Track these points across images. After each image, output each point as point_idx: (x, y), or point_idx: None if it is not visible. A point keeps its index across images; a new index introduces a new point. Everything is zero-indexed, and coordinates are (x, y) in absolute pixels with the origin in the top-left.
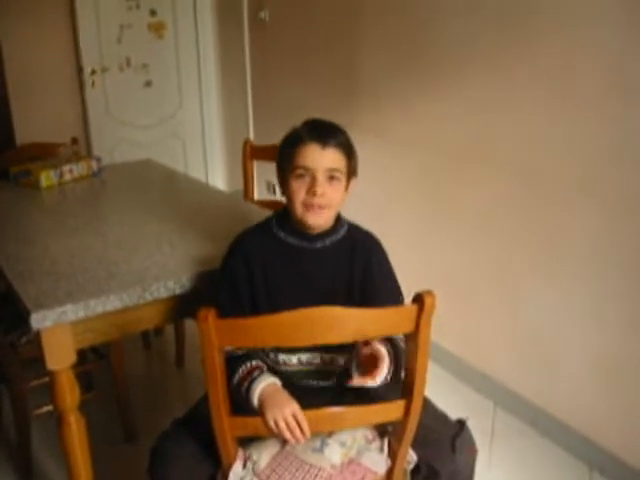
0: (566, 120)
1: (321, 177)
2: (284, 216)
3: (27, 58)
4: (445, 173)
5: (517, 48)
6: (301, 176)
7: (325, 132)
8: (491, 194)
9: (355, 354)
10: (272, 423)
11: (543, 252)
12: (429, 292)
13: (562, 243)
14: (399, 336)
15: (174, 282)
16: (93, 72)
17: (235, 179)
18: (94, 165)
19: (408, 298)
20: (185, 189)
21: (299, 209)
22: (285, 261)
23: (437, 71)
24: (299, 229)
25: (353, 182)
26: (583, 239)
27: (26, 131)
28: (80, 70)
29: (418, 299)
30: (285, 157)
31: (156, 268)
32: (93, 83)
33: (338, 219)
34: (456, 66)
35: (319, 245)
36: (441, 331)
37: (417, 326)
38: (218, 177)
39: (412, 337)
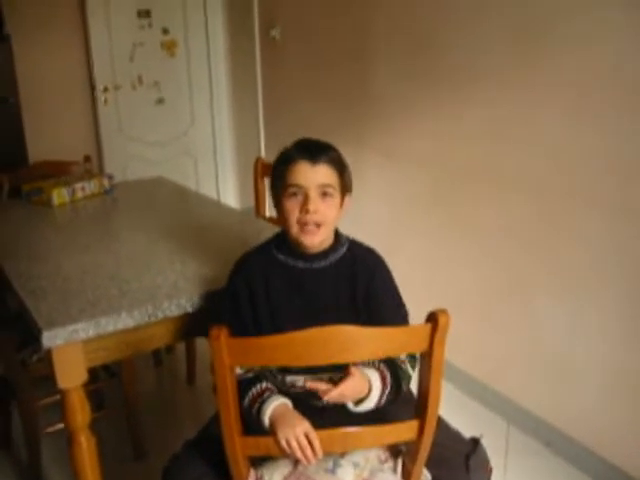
0: (579, 137)
1: (313, 194)
2: (282, 238)
3: (40, 76)
4: (456, 191)
5: (529, 66)
6: (294, 194)
7: (315, 149)
8: (502, 211)
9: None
10: (284, 442)
11: (555, 269)
12: (443, 311)
13: (574, 260)
14: (402, 357)
15: (185, 300)
16: (105, 90)
17: (247, 196)
18: (106, 183)
19: (420, 316)
20: (196, 206)
21: (294, 229)
22: (286, 283)
23: (448, 88)
24: (297, 250)
25: (348, 199)
26: (596, 256)
27: (39, 149)
28: (92, 88)
29: (432, 318)
30: (277, 177)
31: (167, 286)
32: (105, 101)
33: (337, 237)
34: (467, 84)
35: (320, 265)
36: (453, 349)
37: (431, 345)
38: (230, 194)
39: (426, 356)
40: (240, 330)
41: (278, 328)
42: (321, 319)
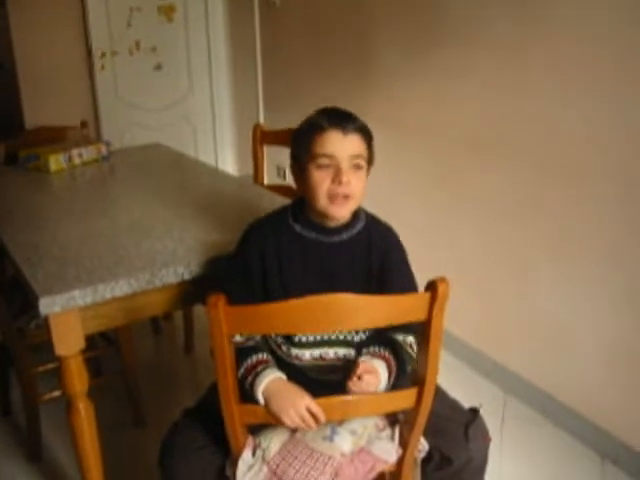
0: (584, 104)
1: (346, 165)
2: (299, 208)
3: (36, 41)
4: (460, 160)
5: (532, 30)
6: (324, 165)
7: (344, 118)
8: (507, 181)
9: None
10: (289, 421)
11: (559, 241)
12: (442, 279)
13: (578, 232)
14: (408, 340)
15: (183, 267)
16: (103, 55)
17: (245, 163)
18: (103, 149)
19: (420, 285)
20: (195, 173)
21: (322, 200)
22: (301, 255)
23: (451, 55)
24: (316, 222)
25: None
26: (600, 227)
27: (35, 115)
28: (89, 53)
29: (431, 286)
30: (303, 146)
31: (165, 253)
32: (102, 66)
33: (356, 212)
34: (470, 50)
35: (336, 239)
36: (453, 319)
37: (430, 314)
38: (228, 161)
39: (425, 325)
40: (246, 295)
41: (288, 295)
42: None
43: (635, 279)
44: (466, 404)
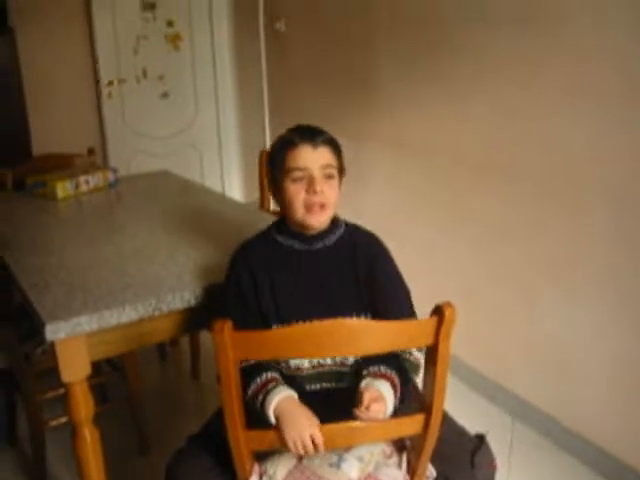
0: (588, 127)
1: (318, 175)
2: (282, 223)
3: (44, 69)
4: (463, 182)
5: (538, 53)
6: (298, 178)
7: (313, 132)
8: (506, 201)
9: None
10: (291, 445)
11: (561, 262)
12: (448, 304)
13: (580, 253)
14: (410, 350)
15: (189, 293)
16: (110, 83)
17: (252, 189)
18: (110, 176)
19: (423, 306)
20: (201, 200)
21: (300, 211)
22: (288, 265)
23: (455, 78)
24: (297, 232)
25: (341, 181)
26: (605, 249)
27: (43, 142)
28: (97, 81)
29: (437, 311)
30: (277, 163)
31: (171, 279)
32: (110, 94)
33: (334, 219)
34: (475, 74)
35: (319, 246)
36: (457, 342)
37: (436, 339)
38: (235, 187)
39: (431, 350)
40: (244, 317)
41: (281, 311)
42: (324, 300)
43: (638, 302)
44: (473, 430)
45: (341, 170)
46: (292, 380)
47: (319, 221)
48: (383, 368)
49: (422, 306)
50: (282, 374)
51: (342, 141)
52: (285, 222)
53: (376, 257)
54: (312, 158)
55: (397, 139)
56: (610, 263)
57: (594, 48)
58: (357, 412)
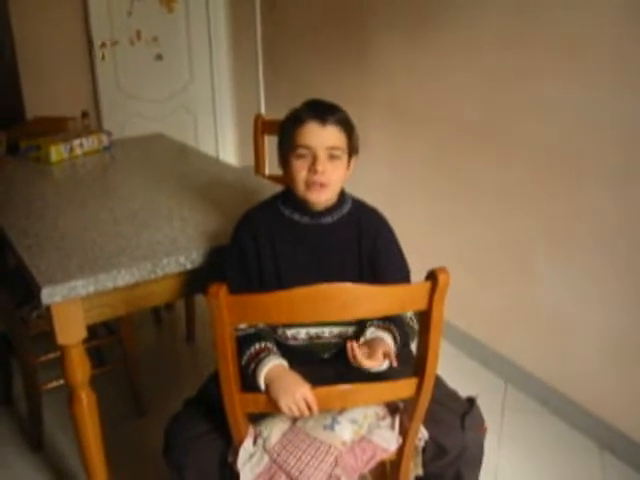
0: (583, 100)
1: (322, 155)
2: (288, 194)
3: (37, 31)
4: (461, 149)
5: (532, 23)
6: (302, 155)
7: (324, 110)
8: (504, 171)
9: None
10: (286, 410)
11: (559, 230)
12: (443, 269)
13: (580, 221)
14: (408, 314)
15: (185, 257)
16: (103, 45)
17: (246, 154)
18: (104, 139)
19: (420, 275)
20: (196, 164)
21: (301, 187)
22: (292, 237)
23: (451, 41)
24: (303, 206)
25: (354, 161)
26: (598, 219)
27: (36, 105)
28: (90, 43)
29: (432, 276)
30: (285, 137)
31: (167, 243)
32: (103, 56)
33: (342, 195)
34: (471, 35)
35: (324, 221)
36: (453, 308)
37: (430, 304)
38: (229, 152)
39: (425, 315)
40: (244, 285)
41: (282, 282)
42: (325, 274)
43: (634, 270)
44: (465, 394)
45: (352, 150)
46: (289, 351)
47: (319, 198)
48: (389, 324)
49: (418, 271)
50: (278, 344)
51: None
52: (291, 194)
53: (380, 234)
54: (319, 138)
55: (394, 106)
56: (610, 233)
57: (589, 14)
58: (365, 361)
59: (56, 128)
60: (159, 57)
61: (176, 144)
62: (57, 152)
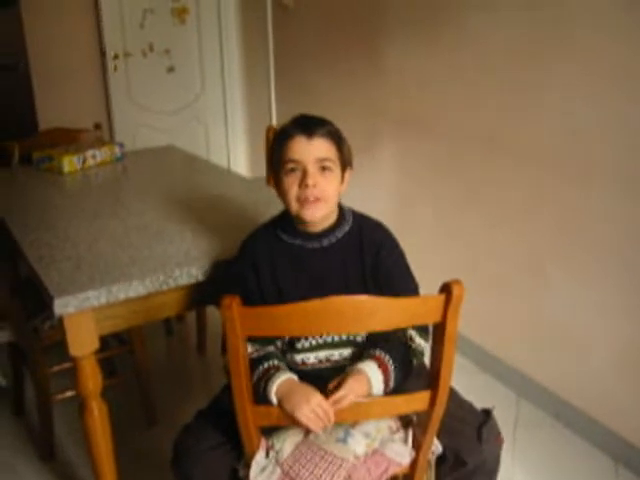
0: (597, 109)
1: (312, 168)
2: (286, 218)
3: (50, 42)
4: (473, 160)
5: (548, 25)
6: (292, 170)
7: (310, 123)
8: (516, 182)
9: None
10: (305, 420)
11: (572, 242)
12: (457, 281)
13: (591, 233)
14: (407, 334)
15: (197, 269)
16: (116, 57)
17: (258, 165)
18: (117, 151)
19: (433, 287)
20: (207, 175)
21: (294, 205)
22: (293, 264)
23: (464, 52)
24: (301, 229)
25: (349, 174)
26: (613, 230)
27: (49, 116)
28: (103, 55)
29: (446, 289)
30: (275, 154)
31: (179, 254)
32: (115, 68)
33: (341, 214)
34: (485, 46)
35: (325, 243)
36: (465, 320)
37: (444, 316)
38: (240, 163)
39: (439, 328)
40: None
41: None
42: (328, 294)
43: None
44: (479, 406)
45: (344, 163)
46: (299, 376)
47: (313, 215)
48: (374, 350)
49: (430, 282)
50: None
51: (350, 118)
52: (288, 218)
53: (382, 248)
54: (306, 150)
55: (406, 116)
56: (622, 245)
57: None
58: (329, 386)
59: (69, 140)
60: (171, 69)
61: (188, 156)
62: (70, 163)
